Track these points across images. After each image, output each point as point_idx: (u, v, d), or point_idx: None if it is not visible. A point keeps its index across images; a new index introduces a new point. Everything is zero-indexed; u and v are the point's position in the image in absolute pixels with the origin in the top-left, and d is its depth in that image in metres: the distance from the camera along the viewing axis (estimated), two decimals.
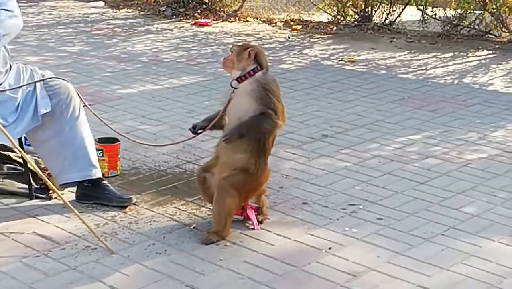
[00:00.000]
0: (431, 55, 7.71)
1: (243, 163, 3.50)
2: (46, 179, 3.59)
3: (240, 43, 3.68)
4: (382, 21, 8.99)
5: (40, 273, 3.24)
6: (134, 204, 3.94)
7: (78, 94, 3.92)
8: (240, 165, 3.51)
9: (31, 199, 3.97)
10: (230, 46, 3.69)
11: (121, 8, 10.08)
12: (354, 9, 9.20)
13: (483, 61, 7.51)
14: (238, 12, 9.64)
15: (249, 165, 3.50)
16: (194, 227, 3.69)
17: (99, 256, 3.40)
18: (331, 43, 8.22)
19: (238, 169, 3.51)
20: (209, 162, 3.72)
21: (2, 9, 3.69)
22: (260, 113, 3.47)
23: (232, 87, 3.55)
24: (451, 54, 7.78)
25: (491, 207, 4.02)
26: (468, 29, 8.59)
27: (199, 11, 9.62)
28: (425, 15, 8.77)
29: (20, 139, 3.93)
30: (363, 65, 7.22)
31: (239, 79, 3.53)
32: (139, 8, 10.03)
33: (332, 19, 9.24)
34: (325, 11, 9.35)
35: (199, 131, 3.71)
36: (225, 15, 9.56)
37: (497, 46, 8.10)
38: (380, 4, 9.02)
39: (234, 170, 3.51)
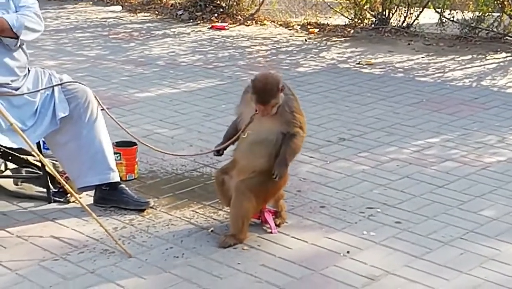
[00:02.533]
0: (449, 58, 7.67)
1: (263, 167, 3.49)
2: (64, 183, 3.61)
3: (266, 90, 3.41)
4: (400, 24, 8.96)
5: (58, 277, 3.25)
6: (151, 207, 3.95)
7: (96, 98, 3.93)
8: (259, 169, 3.50)
9: (49, 202, 3.99)
10: (260, 101, 3.41)
11: (139, 12, 10.11)
12: (371, 12, 9.17)
13: (501, 63, 7.47)
14: (255, 16, 9.63)
15: (268, 169, 3.49)
16: (211, 231, 3.69)
17: (117, 259, 3.40)
18: (348, 46, 8.20)
19: (256, 172, 3.51)
20: (228, 165, 3.71)
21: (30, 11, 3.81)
22: (290, 134, 3.47)
23: (253, 115, 3.50)
24: (470, 56, 7.74)
25: (510, 210, 3.99)
26: (486, 31, 8.54)
27: (216, 14, 9.63)
28: (443, 18, 8.73)
29: (38, 143, 3.94)
30: (380, 68, 7.20)
31: None
32: (156, 12, 10.06)
33: (349, 22, 9.21)
34: (342, 14, 9.33)
35: (223, 152, 3.70)
36: (242, 19, 9.56)
37: None
38: (397, 7, 8.99)
39: (253, 173, 3.51)
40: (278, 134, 3.49)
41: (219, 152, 3.68)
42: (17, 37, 3.76)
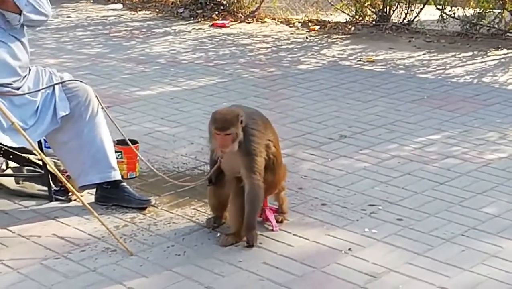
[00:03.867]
0: (450, 55, 7.67)
1: None
2: (66, 181, 3.61)
3: (224, 119, 3.40)
4: (401, 20, 8.95)
5: (60, 275, 3.25)
6: (153, 205, 3.95)
7: (97, 97, 3.93)
8: None
9: (50, 201, 3.99)
10: (215, 128, 3.40)
11: (139, 10, 10.10)
12: (372, 9, 9.16)
13: (502, 60, 7.46)
14: (255, 13, 9.63)
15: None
16: (213, 229, 3.69)
17: (118, 258, 3.41)
18: (349, 43, 8.20)
19: None
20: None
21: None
22: (247, 187, 3.43)
23: (218, 158, 3.51)
24: (471, 53, 7.73)
25: None
26: (488, 28, 8.53)
27: (216, 12, 9.62)
28: (443, 15, 8.72)
29: (39, 142, 3.95)
30: (381, 65, 7.19)
31: None
32: (157, 10, 10.05)
33: (350, 19, 9.21)
34: (343, 11, 9.33)
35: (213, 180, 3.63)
36: (242, 16, 9.55)
37: None
38: (398, 4, 8.98)
39: None
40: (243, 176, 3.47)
41: (211, 182, 3.64)
42: (20, 12, 3.73)
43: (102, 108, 3.95)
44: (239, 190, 3.49)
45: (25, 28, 3.86)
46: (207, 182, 3.67)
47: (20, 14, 3.72)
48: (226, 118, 3.41)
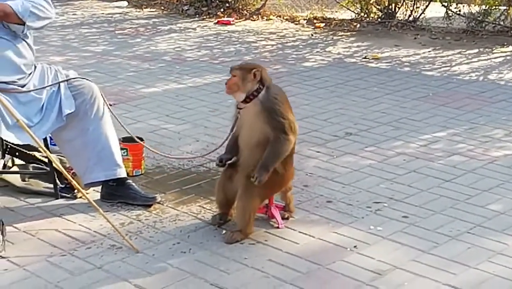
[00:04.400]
0: (456, 52, 7.65)
1: None
2: (71, 179, 3.61)
3: (240, 64, 3.57)
4: (406, 18, 8.94)
5: (66, 272, 3.26)
6: (158, 203, 3.95)
7: (102, 94, 3.93)
8: None
9: (56, 198, 4.00)
10: (229, 68, 3.57)
11: (144, 8, 10.11)
12: (377, 6, 9.15)
13: (508, 57, 7.44)
14: (261, 10, 9.63)
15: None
16: (218, 226, 3.69)
17: (124, 255, 3.41)
18: (354, 41, 8.19)
19: None
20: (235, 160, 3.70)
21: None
22: (272, 138, 3.43)
23: (237, 108, 3.52)
24: (476, 50, 7.72)
25: None
26: (493, 25, 8.51)
27: (222, 9, 9.62)
28: (449, 12, 8.71)
29: (45, 139, 3.95)
30: (387, 62, 7.19)
31: (245, 101, 3.50)
32: (162, 8, 10.06)
33: (355, 16, 9.20)
34: (348, 9, 9.32)
35: (226, 163, 3.63)
36: (248, 14, 9.55)
37: None
38: (403, 1, 8.97)
39: None
40: (270, 135, 3.47)
41: (222, 162, 3.64)
42: (23, 24, 3.74)
43: (107, 106, 3.95)
44: (247, 186, 3.49)
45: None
46: (217, 162, 3.65)
47: (24, 25, 3.73)
48: (240, 64, 3.57)
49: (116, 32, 8.58)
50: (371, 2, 9.13)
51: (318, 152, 4.77)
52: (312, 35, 8.49)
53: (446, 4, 8.75)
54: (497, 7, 8.56)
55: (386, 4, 9.05)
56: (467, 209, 3.91)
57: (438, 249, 3.49)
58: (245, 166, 3.55)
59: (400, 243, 3.54)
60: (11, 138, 3.65)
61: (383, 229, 3.69)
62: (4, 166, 4.19)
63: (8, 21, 3.71)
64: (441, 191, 4.15)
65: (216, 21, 9.19)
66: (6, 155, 4.20)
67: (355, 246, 3.51)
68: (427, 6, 8.93)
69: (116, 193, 3.96)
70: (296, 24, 9.10)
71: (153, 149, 4.18)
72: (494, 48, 7.77)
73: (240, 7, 9.74)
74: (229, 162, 3.62)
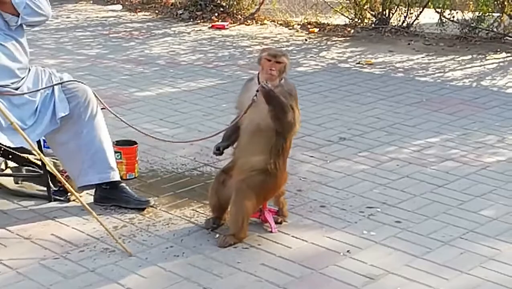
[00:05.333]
0: (449, 58, 7.68)
1: (261, 164, 3.50)
2: (65, 182, 3.61)
3: (281, 51, 3.57)
4: (400, 23, 8.96)
5: (59, 275, 3.26)
6: (152, 206, 3.95)
7: (96, 97, 3.93)
8: (258, 167, 3.50)
9: (49, 201, 3.99)
10: (268, 54, 3.51)
11: (139, 11, 10.11)
12: (371, 12, 9.17)
13: (501, 63, 7.47)
14: (255, 15, 9.64)
15: (267, 166, 3.49)
16: (212, 230, 3.69)
17: (117, 258, 3.41)
18: (348, 46, 8.21)
19: (256, 170, 3.51)
20: (229, 164, 3.71)
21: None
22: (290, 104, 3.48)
23: (257, 91, 3.52)
24: (469, 56, 7.74)
25: (510, 210, 4.00)
26: (486, 31, 8.54)
27: (216, 14, 9.63)
28: (443, 18, 8.73)
29: (38, 142, 3.95)
30: (380, 68, 7.20)
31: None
32: (157, 11, 10.06)
33: (349, 21, 9.21)
34: (342, 14, 9.34)
35: (224, 151, 3.65)
36: (242, 18, 9.56)
37: None
38: (397, 7, 8.99)
39: (252, 171, 3.51)
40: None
41: (219, 150, 3.66)
42: (18, 14, 3.74)
43: (104, 107, 3.95)
44: (241, 191, 3.49)
45: (24, 27, 3.86)
46: (214, 150, 3.65)
47: (18, 16, 3.74)
48: (281, 50, 3.58)
49: (110, 35, 8.58)
50: (365, 7, 9.15)
51: (312, 156, 4.77)
52: (306, 40, 8.50)
53: (439, 10, 8.77)
54: (490, 13, 8.59)
55: (380, 10, 9.08)
56: (460, 215, 3.92)
57: (431, 254, 3.49)
58: (241, 155, 3.55)
59: (393, 248, 3.55)
60: (5, 140, 3.64)
61: (376, 234, 3.69)
62: None
63: (3, 9, 3.72)
64: (434, 197, 4.16)
65: (210, 25, 9.20)
66: None
67: (348, 251, 3.51)
68: (420, 12, 8.96)
69: (110, 196, 3.95)
70: (290, 29, 9.12)
71: (163, 138, 4.20)
72: (487, 55, 7.80)
73: (235, 11, 9.75)
74: (225, 149, 3.64)
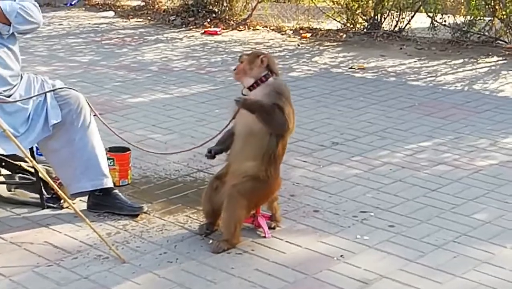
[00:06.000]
0: (441, 62, 7.70)
1: (254, 170, 3.49)
2: (58, 189, 3.60)
3: (249, 52, 3.69)
4: (392, 28, 8.98)
5: (52, 283, 3.25)
6: (145, 213, 3.95)
7: (89, 104, 3.93)
8: (250, 173, 3.50)
9: (42, 208, 3.98)
10: (238, 56, 3.68)
11: (131, 18, 10.11)
12: (363, 17, 9.20)
13: (493, 67, 7.50)
14: (247, 21, 9.65)
15: (259, 173, 3.49)
16: (205, 236, 3.69)
17: (110, 265, 3.40)
18: (340, 51, 8.22)
19: (248, 176, 3.50)
20: (222, 170, 3.71)
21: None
22: (273, 103, 3.46)
23: (243, 94, 3.56)
24: (461, 60, 7.76)
25: (503, 213, 4.01)
26: (478, 35, 8.56)
27: (208, 20, 9.64)
28: (434, 22, 8.76)
29: (31, 149, 3.94)
30: (373, 73, 7.22)
31: (251, 87, 3.53)
32: (149, 18, 10.07)
33: (341, 26, 9.24)
34: (334, 19, 9.35)
35: (216, 155, 3.67)
36: (234, 24, 9.57)
37: (507, 52, 8.06)
38: (389, 12, 9.02)
39: (244, 178, 3.51)
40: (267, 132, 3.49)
41: (210, 153, 3.67)
42: (9, 23, 3.74)
43: (95, 115, 3.95)
44: (232, 197, 3.49)
45: (16, 35, 3.86)
46: (206, 153, 3.67)
47: (10, 25, 3.74)
48: (248, 52, 3.68)
49: (103, 42, 8.57)
50: (357, 12, 9.17)
51: (305, 161, 4.78)
52: (298, 45, 8.52)
53: (431, 14, 8.80)
54: (482, 17, 8.61)
55: (372, 15, 9.10)
56: (453, 218, 3.93)
57: (424, 258, 3.50)
58: (234, 160, 3.55)
59: (387, 252, 3.55)
60: None
61: (370, 238, 3.70)
62: None
63: None
64: (427, 201, 4.17)
65: (203, 31, 9.21)
66: None
67: (341, 256, 3.51)
68: (412, 17, 8.98)
69: (103, 203, 3.95)
70: (282, 34, 9.13)
71: (147, 150, 4.19)
72: (479, 59, 7.82)
73: (227, 17, 9.76)
74: (218, 154, 3.65)
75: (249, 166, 3.50)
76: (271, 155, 3.49)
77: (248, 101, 3.47)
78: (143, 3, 10.70)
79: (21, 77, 3.91)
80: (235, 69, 3.61)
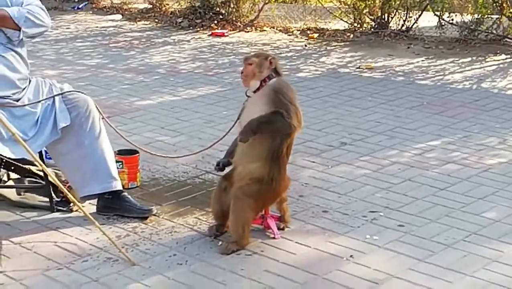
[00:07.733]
0: (449, 61, 7.68)
1: (258, 172, 3.48)
2: (67, 192, 3.61)
3: (252, 54, 3.66)
4: (399, 27, 8.98)
5: (63, 286, 3.26)
6: (154, 215, 3.95)
7: (97, 107, 3.94)
8: (255, 174, 3.49)
9: (52, 212, 3.99)
10: (243, 59, 3.63)
11: (138, 21, 10.13)
12: (370, 17, 9.19)
13: (501, 65, 7.48)
14: (254, 22, 9.66)
15: (263, 174, 3.48)
16: (214, 237, 3.69)
17: (120, 267, 3.41)
18: (348, 51, 8.22)
19: (253, 178, 3.50)
20: (230, 171, 3.70)
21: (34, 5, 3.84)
22: (273, 111, 3.43)
23: (247, 96, 3.56)
24: (469, 59, 7.75)
25: None
26: (486, 33, 8.55)
27: (215, 21, 9.65)
28: (442, 21, 8.74)
29: (40, 153, 3.96)
30: (380, 72, 7.21)
31: (256, 90, 3.53)
32: (156, 20, 10.08)
33: (348, 26, 9.23)
34: (341, 19, 9.35)
35: (225, 167, 3.66)
36: (241, 25, 9.58)
37: None
38: (396, 11, 9.01)
39: (250, 179, 3.50)
40: None
41: (219, 165, 3.66)
42: (19, 29, 3.77)
43: (103, 118, 3.96)
44: (238, 199, 3.49)
45: (24, 39, 3.88)
46: (215, 166, 3.67)
47: (19, 30, 3.76)
48: (254, 53, 3.63)
49: (110, 45, 8.59)
50: (364, 12, 9.16)
51: (313, 162, 4.78)
52: (305, 45, 8.51)
53: (438, 13, 8.78)
54: (489, 16, 8.60)
55: (379, 14, 9.09)
56: (463, 217, 3.92)
57: (434, 257, 3.49)
58: (240, 161, 3.54)
59: (396, 252, 3.55)
60: (6, 152, 3.65)
61: (379, 238, 3.69)
62: (0, 180, 4.19)
63: (4, 25, 3.75)
64: (436, 200, 4.16)
65: (210, 33, 9.22)
66: (1, 169, 4.20)
67: (351, 256, 3.51)
68: (419, 16, 8.97)
69: (112, 205, 3.96)
70: (289, 35, 9.13)
71: (153, 153, 4.20)
72: (487, 57, 7.81)
73: (234, 18, 9.77)
74: (226, 166, 3.64)
75: (254, 168, 3.49)
76: (274, 155, 3.48)
77: (247, 130, 3.41)
78: (150, 6, 10.72)
79: (30, 81, 3.92)
80: (242, 72, 3.57)
